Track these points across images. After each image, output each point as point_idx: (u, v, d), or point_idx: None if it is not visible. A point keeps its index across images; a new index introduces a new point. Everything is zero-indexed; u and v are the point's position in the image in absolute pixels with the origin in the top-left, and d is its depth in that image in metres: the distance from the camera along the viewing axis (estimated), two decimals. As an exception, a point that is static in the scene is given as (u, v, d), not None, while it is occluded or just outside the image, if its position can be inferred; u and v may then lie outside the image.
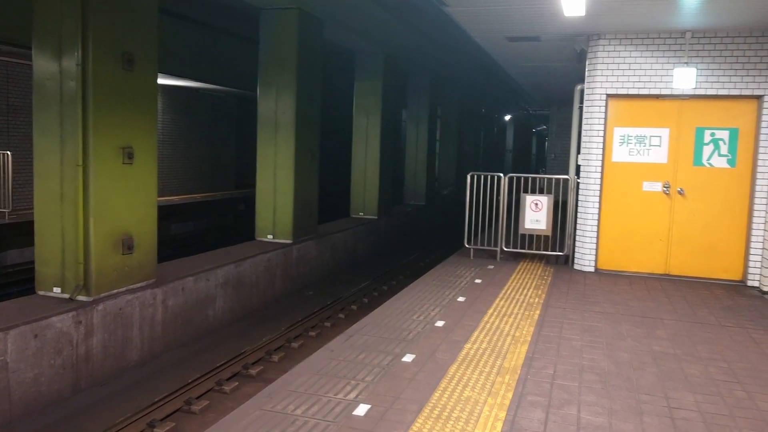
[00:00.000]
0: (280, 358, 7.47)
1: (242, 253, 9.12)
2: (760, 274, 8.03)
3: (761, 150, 8.02)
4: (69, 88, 6.15)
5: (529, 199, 9.11)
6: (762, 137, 8.00)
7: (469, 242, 9.88)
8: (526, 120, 38.65)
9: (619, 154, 8.64)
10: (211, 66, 14.20)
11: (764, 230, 8.02)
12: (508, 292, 7.46)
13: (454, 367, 4.86)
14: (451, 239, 18.04)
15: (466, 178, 9.92)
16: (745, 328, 6.24)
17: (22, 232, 10.95)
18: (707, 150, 8.35)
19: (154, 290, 7.02)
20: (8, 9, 9.75)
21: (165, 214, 14.06)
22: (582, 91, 9.05)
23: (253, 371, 6.93)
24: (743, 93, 8.05)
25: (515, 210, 9.68)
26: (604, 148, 8.65)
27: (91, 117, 6.14)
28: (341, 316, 9.40)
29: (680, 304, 7.17)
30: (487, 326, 5.98)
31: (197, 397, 6.17)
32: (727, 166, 8.31)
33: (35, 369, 5.55)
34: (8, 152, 11.26)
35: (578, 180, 8.97)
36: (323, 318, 9.12)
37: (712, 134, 8.32)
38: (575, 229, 9.00)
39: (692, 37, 8.12)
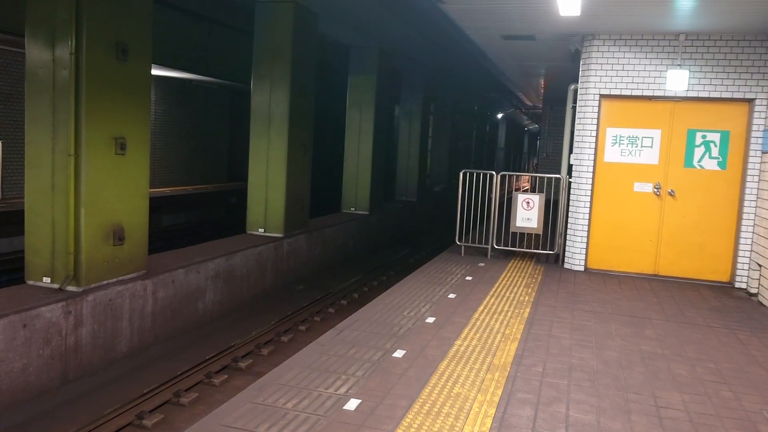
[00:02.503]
0: (270, 351, 7.48)
1: (233, 247, 9.10)
2: (748, 276, 8.11)
3: (751, 153, 8.09)
4: (62, 77, 6.10)
5: (521, 198, 9.15)
6: (752, 140, 8.07)
7: (460, 239, 9.90)
8: (519, 118, 38.74)
9: (611, 154, 8.68)
10: (204, 57, 14.13)
11: (753, 233, 8.09)
12: (499, 289, 7.49)
13: (444, 363, 4.88)
14: (441, 236, 18.08)
15: (457, 175, 9.93)
16: (732, 330, 6.31)
17: (12, 220, 10.88)
18: (698, 152, 8.41)
19: (145, 282, 7.00)
20: (0, -4, 9.67)
21: (156, 205, 13.99)
22: (575, 91, 9.08)
23: (242, 364, 6.93)
24: (735, 96, 8.11)
25: (507, 208, 9.72)
26: (596, 148, 8.69)
27: (83, 107, 6.10)
28: (331, 310, 9.41)
29: (668, 304, 7.23)
30: (478, 323, 6.01)
31: (186, 390, 6.17)
32: (718, 168, 8.37)
33: (24, 359, 5.52)
34: (-2, 140, 11.17)
35: (570, 179, 9.01)
36: (313, 312, 9.12)
37: (704, 136, 8.38)
38: (566, 228, 9.05)
39: (686, 40, 8.17)
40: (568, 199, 9.02)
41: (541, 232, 9.24)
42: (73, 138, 6.12)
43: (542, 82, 16.74)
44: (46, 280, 6.33)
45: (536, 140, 43.20)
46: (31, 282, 6.41)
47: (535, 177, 9.84)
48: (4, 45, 11.61)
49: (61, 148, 6.18)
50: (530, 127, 45.60)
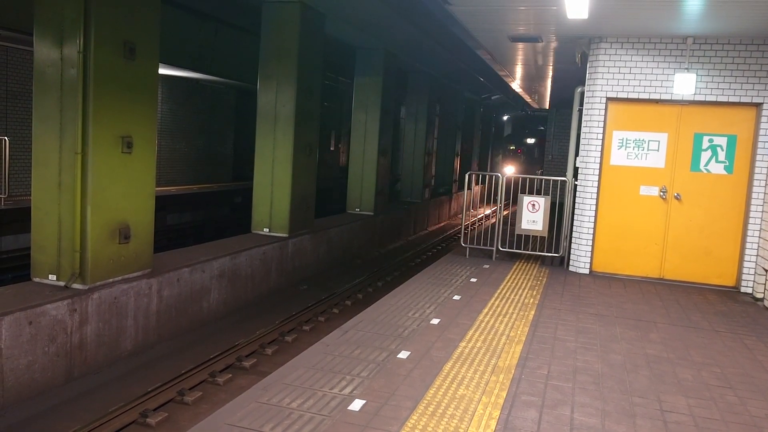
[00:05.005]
0: (274, 351, 7.49)
1: (238, 246, 9.11)
2: (754, 281, 8.08)
3: (758, 157, 8.06)
4: (70, 75, 6.12)
5: (527, 200, 9.13)
6: (760, 145, 8.04)
7: (465, 241, 9.90)
8: (525, 120, 38.63)
9: (618, 157, 8.66)
10: (211, 57, 14.14)
11: (759, 237, 8.06)
12: (504, 291, 7.48)
13: (449, 365, 4.87)
14: (446, 238, 18.07)
15: (462, 176, 9.93)
16: (738, 334, 6.28)
17: (18, 218, 10.92)
18: (705, 156, 8.39)
19: (150, 280, 7.01)
20: (9, -6, 9.69)
21: (161, 204, 14.02)
22: (582, 94, 9.07)
23: (246, 364, 6.94)
24: (742, 100, 8.08)
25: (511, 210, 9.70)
26: (602, 151, 8.67)
27: (91, 105, 6.12)
28: (335, 311, 9.42)
29: (674, 308, 7.21)
30: (482, 325, 6.00)
31: (190, 388, 6.18)
32: (724, 172, 8.34)
33: (29, 356, 5.54)
34: (6, 138, 11.21)
35: (576, 182, 9.00)
36: (317, 312, 9.13)
37: (711, 140, 8.35)
38: (571, 230, 9.03)
39: (693, 43, 8.14)
40: (574, 202, 9.00)
41: (546, 235, 9.22)
42: (80, 136, 6.14)
43: (548, 85, 16.72)
44: (52, 277, 6.35)
45: (542, 143, 42.87)
46: (36, 279, 6.43)
47: (541, 179, 9.79)
48: (13, 43, 11.66)
49: (68, 146, 6.20)
50: (536, 129, 45.44)
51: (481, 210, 19.54)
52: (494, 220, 9.09)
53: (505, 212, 9.71)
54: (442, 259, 9.52)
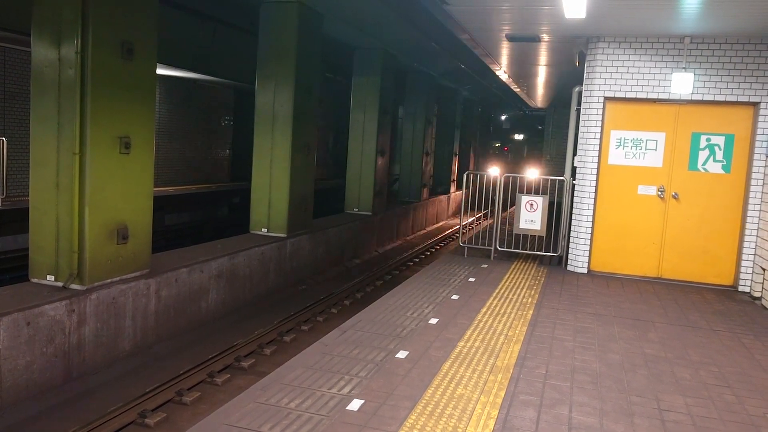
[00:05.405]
0: (273, 351, 7.49)
1: (236, 246, 9.11)
2: (752, 280, 8.09)
3: (756, 156, 8.07)
4: (67, 76, 6.12)
5: (525, 200, 9.14)
6: (757, 144, 8.05)
7: (463, 240, 9.90)
8: (523, 120, 38.65)
9: (615, 157, 8.67)
10: (209, 57, 14.13)
11: (756, 236, 8.07)
12: (502, 291, 7.49)
13: (447, 364, 4.88)
14: (444, 238, 18.08)
15: (460, 176, 9.93)
16: (736, 333, 6.30)
17: (16, 218, 10.90)
18: (702, 155, 8.40)
19: (148, 281, 7.01)
20: (7, -6, 9.67)
21: (159, 204, 14.00)
22: (580, 93, 9.08)
23: (245, 364, 6.94)
24: (740, 99, 8.09)
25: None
26: (600, 151, 8.68)
27: (89, 106, 6.11)
28: (334, 311, 9.42)
29: (672, 307, 7.22)
30: (481, 325, 6.01)
31: (189, 389, 6.18)
32: (722, 171, 8.36)
33: (27, 356, 5.53)
34: (3, 139, 11.18)
35: (574, 182, 9.01)
36: (316, 312, 9.13)
37: (708, 140, 8.36)
38: (569, 230, 9.04)
39: (691, 43, 8.16)
40: (572, 201, 9.01)
41: (544, 234, 9.23)
42: (78, 137, 6.14)
43: (546, 84, 16.74)
44: (50, 278, 6.35)
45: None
46: (35, 280, 6.42)
47: (539, 179, 9.80)
48: (10, 43, 11.64)
49: (66, 146, 6.20)
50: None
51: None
52: (491, 221, 9.08)
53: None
54: (441, 258, 9.52)
